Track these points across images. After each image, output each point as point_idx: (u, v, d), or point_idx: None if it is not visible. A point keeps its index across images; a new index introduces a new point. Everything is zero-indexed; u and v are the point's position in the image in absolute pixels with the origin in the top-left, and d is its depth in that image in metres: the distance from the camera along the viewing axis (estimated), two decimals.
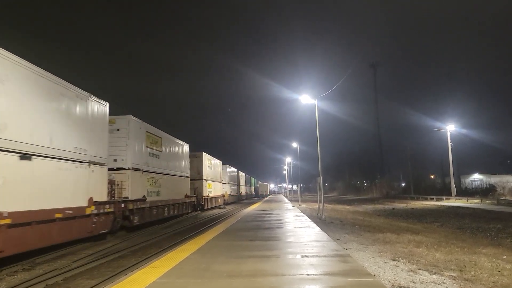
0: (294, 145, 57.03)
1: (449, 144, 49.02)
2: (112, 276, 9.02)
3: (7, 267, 9.98)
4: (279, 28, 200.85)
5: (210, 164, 37.04)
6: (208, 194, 34.77)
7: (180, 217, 25.62)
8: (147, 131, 20.07)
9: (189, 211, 28.13)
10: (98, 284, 8.33)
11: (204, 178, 33.25)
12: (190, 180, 29.07)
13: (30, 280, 8.88)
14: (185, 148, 28.17)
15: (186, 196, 27.03)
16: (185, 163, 27.93)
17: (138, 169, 18.42)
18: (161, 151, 22.15)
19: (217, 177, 40.34)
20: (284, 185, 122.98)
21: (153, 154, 20.83)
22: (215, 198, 38.53)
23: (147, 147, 20.01)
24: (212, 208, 37.04)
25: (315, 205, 32.11)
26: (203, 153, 33.88)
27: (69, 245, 13.51)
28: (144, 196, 18.86)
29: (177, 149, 26.01)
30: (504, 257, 10.19)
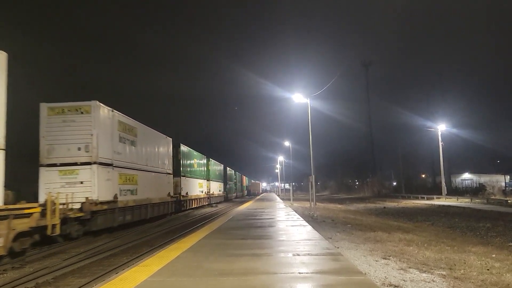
0: (287, 143, 57.10)
1: (440, 143, 49.43)
2: (103, 274, 8.97)
3: None
4: (271, 26, 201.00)
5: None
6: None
7: (162, 218, 23.65)
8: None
9: (173, 211, 26.17)
10: (88, 282, 8.28)
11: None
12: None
13: (19, 278, 8.79)
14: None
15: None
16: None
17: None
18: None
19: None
20: (276, 183, 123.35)
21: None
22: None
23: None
24: (202, 207, 35.98)
25: (307, 204, 32.20)
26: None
27: (59, 244, 13.43)
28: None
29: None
30: (493, 255, 10.31)
